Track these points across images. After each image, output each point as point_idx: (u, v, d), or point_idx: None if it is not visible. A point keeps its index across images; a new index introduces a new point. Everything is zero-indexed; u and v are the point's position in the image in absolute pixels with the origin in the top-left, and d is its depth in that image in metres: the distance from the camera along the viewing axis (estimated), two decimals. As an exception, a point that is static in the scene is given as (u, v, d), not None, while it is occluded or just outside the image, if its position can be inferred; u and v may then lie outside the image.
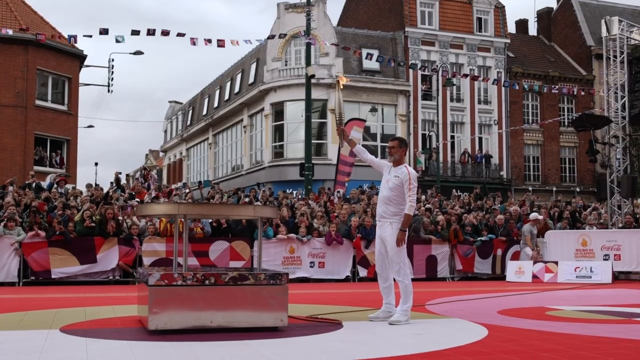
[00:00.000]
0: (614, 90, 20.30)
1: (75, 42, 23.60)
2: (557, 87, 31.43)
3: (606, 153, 20.60)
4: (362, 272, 15.90)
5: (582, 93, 27.99)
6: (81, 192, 17.98)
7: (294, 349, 5.10)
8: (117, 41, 19.50)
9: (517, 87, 27.99)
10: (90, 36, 19.86)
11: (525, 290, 12.18)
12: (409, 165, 7.33)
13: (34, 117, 29.76)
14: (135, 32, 19.67)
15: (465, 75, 30.94)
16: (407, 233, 6.88)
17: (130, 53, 33.49)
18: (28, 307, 8.58)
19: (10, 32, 21.62)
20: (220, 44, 20.56)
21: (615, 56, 20.20)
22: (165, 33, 19.81)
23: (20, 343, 5.30)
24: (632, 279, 16.38)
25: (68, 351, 4.91)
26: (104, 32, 19.28)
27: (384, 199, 6.97)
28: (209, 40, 20.56)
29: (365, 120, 26.60)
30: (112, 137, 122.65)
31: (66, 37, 21.69)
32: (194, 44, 20.20)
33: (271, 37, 26.24)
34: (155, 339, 5.46)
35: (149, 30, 19.77)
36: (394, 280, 6.97)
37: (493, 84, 34.46)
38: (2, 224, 13.92)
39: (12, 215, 14.01)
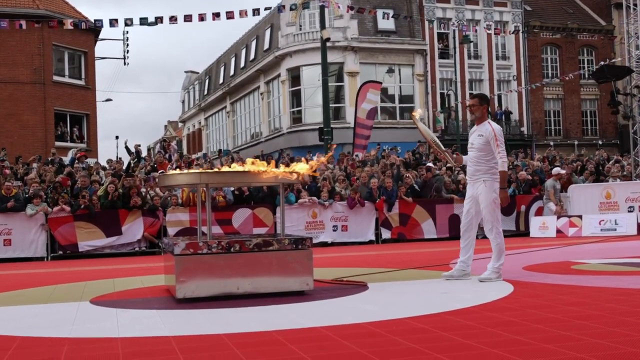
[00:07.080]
0: (635, 39, 19.92)
1: (87, 27, 23.99)
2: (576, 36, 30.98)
3: (628, 104, 20.32)
4: (386, 234, 15.94)
5: (601, 37, 27.52)
6: (104, 168, 18.13)
7: (321, 312, 5.14)
8: (145, 23, 20.26)
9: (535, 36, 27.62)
10: (101, 25, 20.24)
11: (550, 246, 12.14)
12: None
13: (53, 93, 29.92)
14: (158, 18, 20.99)
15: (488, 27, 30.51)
16: (507, 190, 6.89)
17: (144, 24, 33.38)
18: (58, 280, 8.74)
19: (24, 24, 21.75)
20: (230, 16, 20.66)
21: (635, 4, 19.80)
22: (188, 19, 20.23)
23: (53, 315, 5.40)
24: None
25: (99, 322, 4.99)
26: (115, 22, 19.80)
27: (472, 159, 6.95)
28: (217, 15, 20.72)
29: (381, 83, 26.29)
30: (138, 110, 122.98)
31: (77, 21, 22.34)
32: (201, 19, 20.40)
33: (281, 6, 26.28)
34: (183, 307, 5.53)
35: (171, 17, 20.43)
36: (478, 239, 7.04)
37: (512, 33, 33.96)
38: (28, 205, 14.10)
39: (37, 192, 14.21)
